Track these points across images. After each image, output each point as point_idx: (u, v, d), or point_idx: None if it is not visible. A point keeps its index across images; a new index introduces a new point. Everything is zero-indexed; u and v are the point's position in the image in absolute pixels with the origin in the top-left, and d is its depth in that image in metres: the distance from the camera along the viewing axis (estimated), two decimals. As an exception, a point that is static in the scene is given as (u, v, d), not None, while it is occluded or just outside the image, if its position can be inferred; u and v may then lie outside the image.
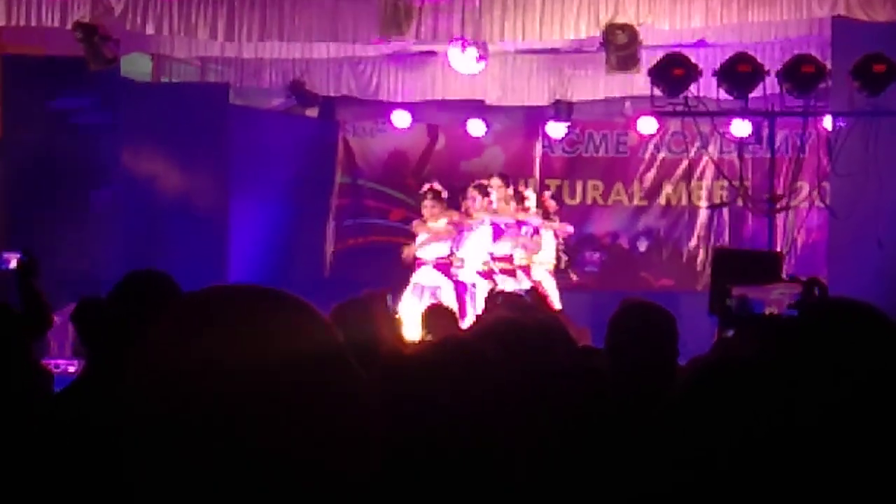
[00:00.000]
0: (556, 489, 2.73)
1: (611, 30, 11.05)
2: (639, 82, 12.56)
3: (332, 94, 15.26)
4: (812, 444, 2.22)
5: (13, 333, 4.57)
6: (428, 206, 12.21)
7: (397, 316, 6.33)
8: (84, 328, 4.00)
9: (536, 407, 2.89)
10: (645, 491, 2.63)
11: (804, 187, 13.64)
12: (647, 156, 15.67)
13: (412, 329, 7.76)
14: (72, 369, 9.44)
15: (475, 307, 11.40)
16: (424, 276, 12.16)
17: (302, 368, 1.19)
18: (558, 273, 13.16)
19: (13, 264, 6.01)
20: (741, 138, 12.85)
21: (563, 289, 12.96)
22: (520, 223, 12.49)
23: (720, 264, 10.79)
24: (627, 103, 14.79)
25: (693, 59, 11.17)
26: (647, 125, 14.93)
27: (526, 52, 14.17)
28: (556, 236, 13.06)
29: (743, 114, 11.79)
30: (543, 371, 3.31)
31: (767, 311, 5.22)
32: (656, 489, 2.47)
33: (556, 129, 15.23)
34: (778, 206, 11.69)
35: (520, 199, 12.79)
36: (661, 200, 15.69)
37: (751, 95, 11.05)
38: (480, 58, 12.36)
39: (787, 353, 2.78)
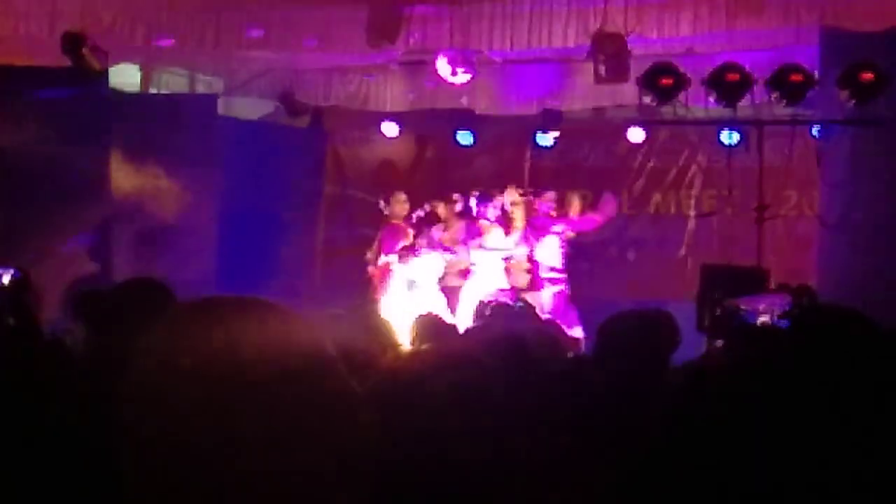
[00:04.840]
0: (552, 497, 2.73)
1: (599, 39, 11.07)
2: (628, 91, 12.59)
3: (321, 104, 15.25)
4: (801, 448, 2.22)
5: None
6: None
7: (389, 325, 6.33)
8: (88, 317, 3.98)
9: (531, 415, 2.89)
10: (634, 496, 2.63)
11: (792, 196, 13.66)
12: (636, 165, 15.68)
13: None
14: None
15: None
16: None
17: (287, 368, 1.21)
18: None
19: (4, 280, 6.04)
20: (730, 147, 12.87)
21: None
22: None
23: (708, 280, 10.85)
24: (616, 112, 14.79)
25: (681, 69, 11.20)
26: (636, 134, 14.94)
27: (514, 61, 14.18)
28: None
29: (731, 122, 11.82)
30: (537, 380, 3.31)
31: (759, 321, 5.23)
32: (647, 494, 2.47)
33: (545, 139, 15.23)
34: (767, 214, 11.71)
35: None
36: (651, 209, 15.69)
37: (739, 104, 11.07)
38: (468, 68, 12.39)
39: (777, 359, 2.78)
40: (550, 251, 12.96)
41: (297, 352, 1.22)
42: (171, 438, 1.17)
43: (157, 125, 13.60)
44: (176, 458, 1.17)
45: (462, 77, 12.59)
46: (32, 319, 5.78)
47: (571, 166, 15.93)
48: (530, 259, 12.73)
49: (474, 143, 15.60)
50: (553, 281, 12.89)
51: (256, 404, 1.18)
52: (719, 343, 5.73)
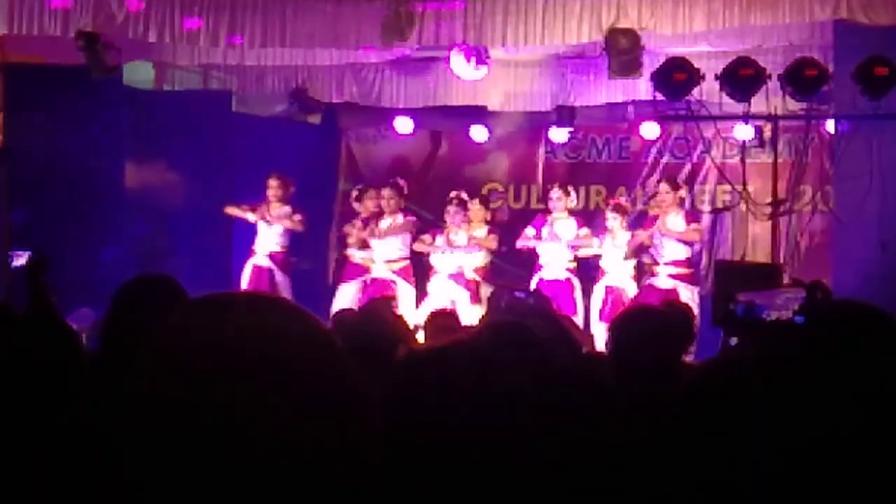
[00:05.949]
0: (562, 495, 2.73)
1: (613, 35, 11.03)
2: (641, 87, 12.56)
3: (334, 101, 15.25)
4: (816, 447, 2.21)
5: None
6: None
7: (403, 320, 6.34)
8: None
9: (542, 410, 2.88)
10: (645, 494, 2.63)
11: (807, 191, 13.62)
12: (650, 161, 15.64)
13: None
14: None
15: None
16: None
17: (296, 362, 1.21)
18: None
19: (21, 262, 5.96)
20: (744, 142, 12.83)
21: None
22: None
23: (723, 275, 10.84)
24: (630, 108, 14.76)
25: (695, 64, 11.17)
26: (650, 130, 14.92)
27: (528, 58, 14.15)
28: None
29: (745, 118, 11.78)
30: (549, 375, 3.30)
31: (773, 316, 5.21)
32: (657, 492, 2.46)
33: (559, 135, 15.21)
34: (781, 210, 11.68)
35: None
36: (664, 205, 15.64)
37: (753, 99, 11.04)
38: (482, 64, 12.39)
39: (792, 355, 2.77)
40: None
41: (305, 346, 1.23)
42: (174, 430, 1.17)
43: (172, 122, 13.64)
44: (179, 450, 1.17)
45: (476, 72, 12.59)
46: (48, 304, 5.63)
47: (585, 162, 15.92)
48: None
49: (488, 139, 15.60)
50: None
51: (264, 399, 1.18)
52: (734, 341, 5.70)
